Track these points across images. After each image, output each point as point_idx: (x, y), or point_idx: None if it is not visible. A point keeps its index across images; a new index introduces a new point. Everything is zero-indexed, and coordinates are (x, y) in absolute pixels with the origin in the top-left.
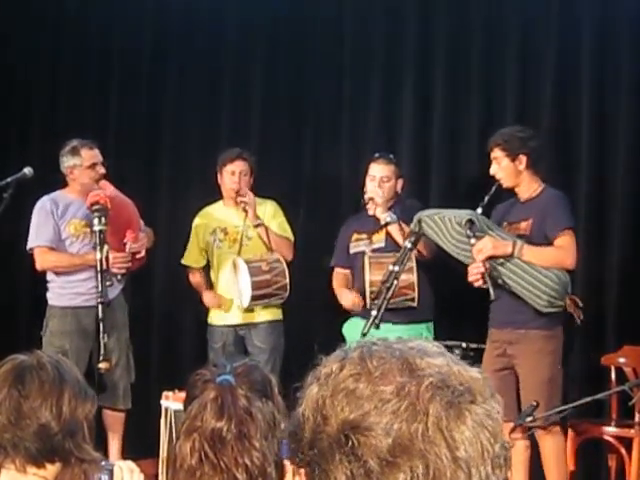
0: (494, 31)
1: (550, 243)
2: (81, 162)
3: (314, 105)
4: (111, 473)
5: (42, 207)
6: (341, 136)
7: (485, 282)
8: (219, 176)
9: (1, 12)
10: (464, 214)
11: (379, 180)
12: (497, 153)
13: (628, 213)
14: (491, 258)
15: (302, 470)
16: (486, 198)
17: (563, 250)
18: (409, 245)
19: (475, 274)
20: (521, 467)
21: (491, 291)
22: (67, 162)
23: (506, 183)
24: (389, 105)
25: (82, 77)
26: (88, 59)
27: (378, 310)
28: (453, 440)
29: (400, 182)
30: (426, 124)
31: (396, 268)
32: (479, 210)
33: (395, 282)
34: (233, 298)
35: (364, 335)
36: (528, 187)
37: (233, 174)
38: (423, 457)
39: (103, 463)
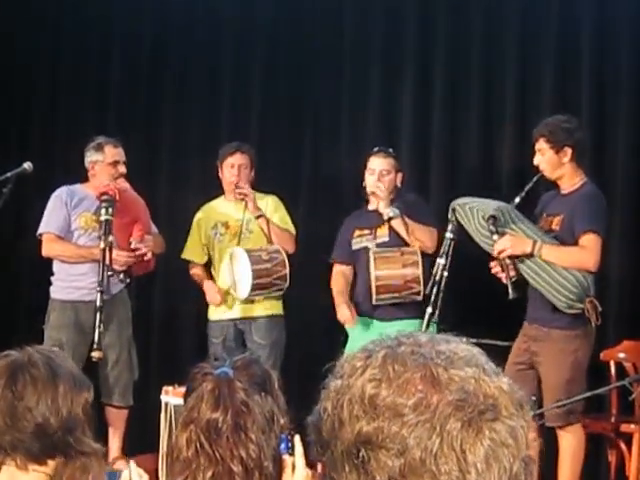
0: (494, 30)
1: (577, 242)
2: (103, 158)
3: (314, 104)
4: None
5: (58, 196)
6: (341, 134)
7: (505, 280)
8: (220, 171)
9: (1, 12)
10: (491, 208)
11: (378, 173)
12: (542, 145)
13: (628, 206)
14: (511, 257)
15: (320, 464)
16: (525, 189)
17: (585, 251)
18: (450, 235)
19: (494, 272)
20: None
21: (510, 290)
22: (90, 157)
23: (549, 175)
24: (389, 103)
25: (82, 77)
26: (88, 59)
27: (434, 306)
28: (466, 462)
29: (400, 176)
30: (426, 123)
31: (442, 261)
32: (517, 200)
33: (445, 274)
34: (231, 292)
35: None
36: (570, 180)
37: (232, 167)
38: (433, 478)
39: (110, 471)
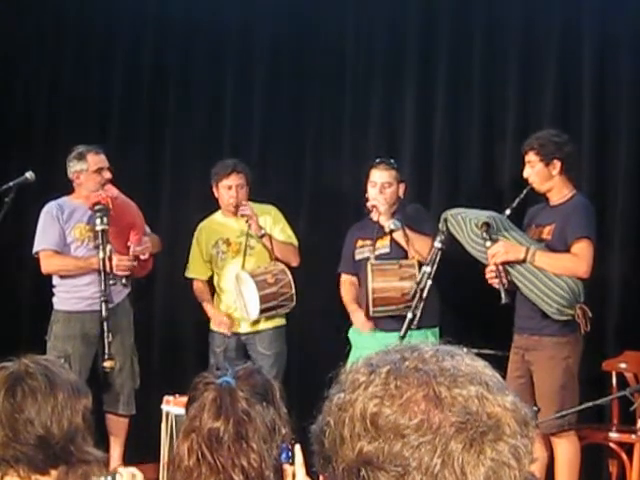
0: (495, 34)
1: (569, 250)
2: (87, 167)
3: (315, 115)
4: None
5: (48, 212)
6: (342, 143)
7: (498, 285)
8: (215, 190)
9: (1, 12)
10: (484, 216)
11: (380, 186)
12: (531, 157)
13: (629, 217)
14: (504, 263)
15: (322, 477)
16: (516, 200)
17: (577, 258)
18: (439, 245)
19: (489, 278)
20: (536, 474)
21: (502, 295)
22: (73, 167)
23: (538, 187)
24: (390, 113)
25: (82, 77)
26: (88, 60)
27: (413, 312)
28: None
29: (402, 187)
30: (427, 130)
31: (428, 269)
32: (507, 212)
33: (429, 282)
34: (239, 311)
35: (402, 338)
36: (559, 192)
37: (230, 189)
38: None
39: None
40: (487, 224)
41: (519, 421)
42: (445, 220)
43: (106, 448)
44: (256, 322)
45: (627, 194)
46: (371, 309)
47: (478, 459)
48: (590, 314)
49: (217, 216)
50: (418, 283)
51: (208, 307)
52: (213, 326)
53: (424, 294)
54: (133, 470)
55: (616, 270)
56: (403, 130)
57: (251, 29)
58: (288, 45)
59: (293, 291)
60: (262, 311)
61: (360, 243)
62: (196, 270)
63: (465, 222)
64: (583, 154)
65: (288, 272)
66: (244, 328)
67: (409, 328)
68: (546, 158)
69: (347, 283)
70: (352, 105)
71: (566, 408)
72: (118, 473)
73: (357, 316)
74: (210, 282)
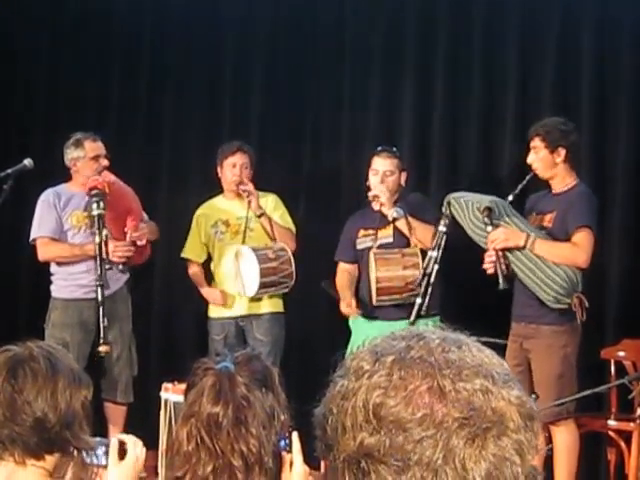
0: (495, 20)
1: (569, 238)
2: (84, 154)
3: (315, 103)
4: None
5: (45, 199)
6: (341, 131)
7: (496, 271)
8: (219, 169)
9: (1, 12)
10: (486, 200)
11: (382, 174)
12: (536, 143)
13: (628, 205)
14: (504, 249)
15: (323, 462)
16: (519, 187)
17: (577, 248)
18: (443, 229)
19: (487, 262)
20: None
21: (500, 280)
22: (70, 154)
23: (542, 174)
24: (389, 99)
25: (82, 77)
26: (88, 48)
27: (423, 298)
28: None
29: (403, 175)
30: (426, 122)
31: (434, 254)
32: (510, 198)
33: (436, 267)
34: (235, 289)
35: (412, 325)
36: (562, 180)
37: (234, 166)
38: None
39: (99, 439)
40: (489, 209)
41: (524, 415)
42: (448, 203)
43: (104, 436)
44: (254, 302)
45: (626, 182)
46: (374, 298)
47: (480, 454)
48: (587, 304)
49: (218, 199)
50: (425, 268)
51: (203, 289)
52: (211, 312)
53: (432, 279)
54: (134, 438)
55: (615, 258)
56: (401, 117)
57: (250, 14)
58: (287, 32)
59: (293, 268)
60: (261, 285)
61: (363, 232)
62: (192, 251)
63: (467, 206)
64: (582, 142)
65: (288, 250)
66: (242, 310)
67: (419, 314)
68: (551, 145)
69: (342, 272)
70: (351, 91)
71: (564, 397)
72: (114, 439)
73: (346, 301)
74: (206, 267)
